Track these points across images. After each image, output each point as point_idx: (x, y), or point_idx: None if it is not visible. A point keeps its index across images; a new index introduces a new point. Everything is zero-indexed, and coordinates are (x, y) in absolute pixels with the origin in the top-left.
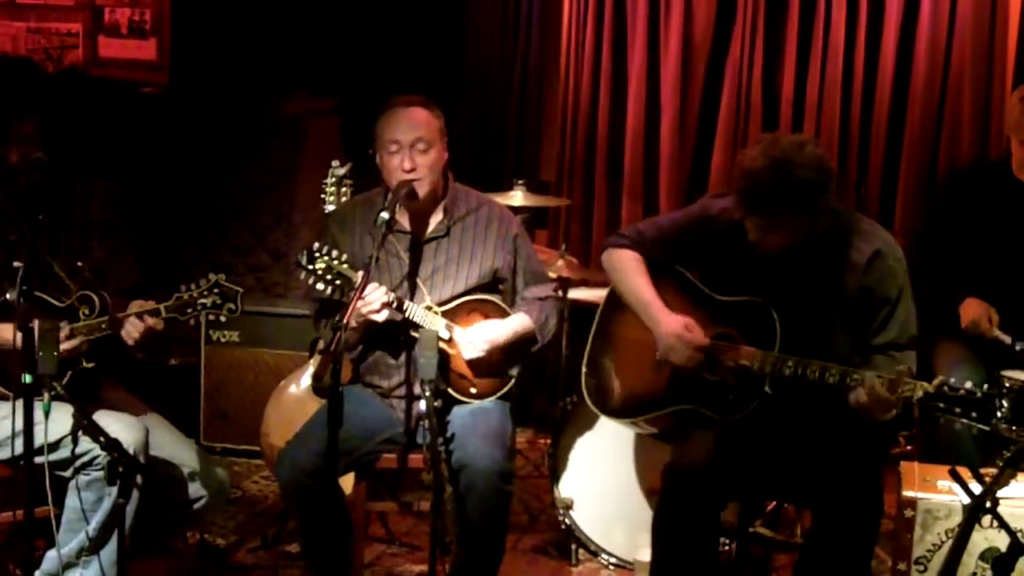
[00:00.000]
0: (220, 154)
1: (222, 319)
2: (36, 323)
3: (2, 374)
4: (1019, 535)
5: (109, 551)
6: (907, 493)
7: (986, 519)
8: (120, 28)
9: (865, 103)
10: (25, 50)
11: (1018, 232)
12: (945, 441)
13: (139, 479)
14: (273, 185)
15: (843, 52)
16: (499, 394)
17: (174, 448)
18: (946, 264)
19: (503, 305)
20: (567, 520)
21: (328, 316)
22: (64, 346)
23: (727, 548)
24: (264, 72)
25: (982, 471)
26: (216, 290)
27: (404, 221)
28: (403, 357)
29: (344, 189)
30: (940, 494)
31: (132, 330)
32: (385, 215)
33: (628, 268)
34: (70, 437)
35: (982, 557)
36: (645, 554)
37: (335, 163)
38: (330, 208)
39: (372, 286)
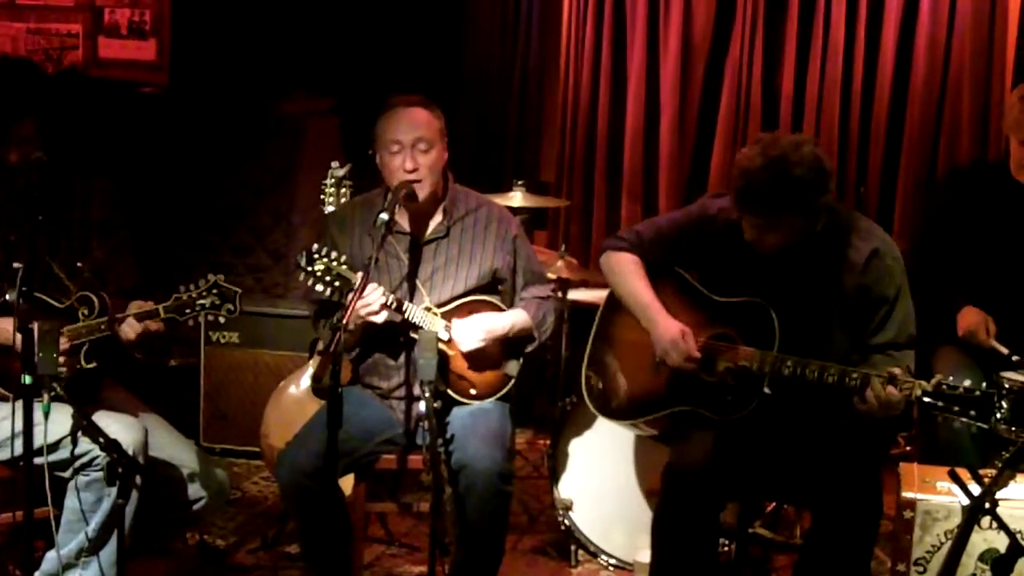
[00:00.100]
0: (220, 154)
1: (221, 320)
2: (36, 324)
3: (2, 375)
4: (1018, 536)
5: (108, 552)
6: (906, 494)
7: (985, 520)
8: (120, 29)
9: (864, 102)
10: (25, 51)
11: (1015, 234)
12: (944, 442)
13: (138, 480)
14: (272, 185)
15: (843, 51)
16: (498, 395)
17: (174, 449)
18: (946, 266)
19: (502, 306)
20: (566, 521)
21: (327, 317)
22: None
23: (727, 549)
24: (263, 72)
25: (981, 472)
26: (215, 291)
27: (403, 222)
28: (402, 358)
29: (343, 190)
30: (939, 495)
31: (129, 330)
32: (384, 216)
33: (626, 271)
34: (70, 438)
35: (981, 558)
36: (644, 555)
37: (334, 164)
38: (329, 209)
39: (371, 287)
